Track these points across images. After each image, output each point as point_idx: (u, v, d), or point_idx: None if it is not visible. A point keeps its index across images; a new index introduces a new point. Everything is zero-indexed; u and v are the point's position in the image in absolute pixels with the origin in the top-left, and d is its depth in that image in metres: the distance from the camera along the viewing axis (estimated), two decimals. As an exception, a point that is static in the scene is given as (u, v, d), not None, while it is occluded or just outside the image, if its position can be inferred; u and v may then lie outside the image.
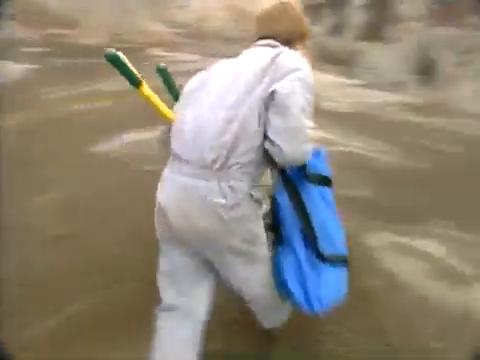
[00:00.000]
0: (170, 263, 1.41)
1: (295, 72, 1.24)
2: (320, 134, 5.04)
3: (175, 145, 1.35)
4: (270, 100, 1.21)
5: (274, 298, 1.50)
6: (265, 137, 1.24)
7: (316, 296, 1.39)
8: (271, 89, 1.21)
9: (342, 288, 1.50)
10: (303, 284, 1.39)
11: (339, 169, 4.17)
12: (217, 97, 1.29)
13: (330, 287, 1.42)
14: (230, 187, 1.23)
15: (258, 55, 1.35)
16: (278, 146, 1.20)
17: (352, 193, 3.58)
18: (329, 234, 1.46)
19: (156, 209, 1.39)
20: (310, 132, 1.24)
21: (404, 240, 2.97)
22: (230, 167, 1.24)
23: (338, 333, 2.09)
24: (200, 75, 1.46)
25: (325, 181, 1.48)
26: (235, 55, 1.45)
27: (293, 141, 1.20)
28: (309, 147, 1.26)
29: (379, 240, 2.95)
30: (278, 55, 1.30)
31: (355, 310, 2.21)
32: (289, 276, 1.40)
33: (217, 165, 1.23)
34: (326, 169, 1.51)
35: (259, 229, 1.36)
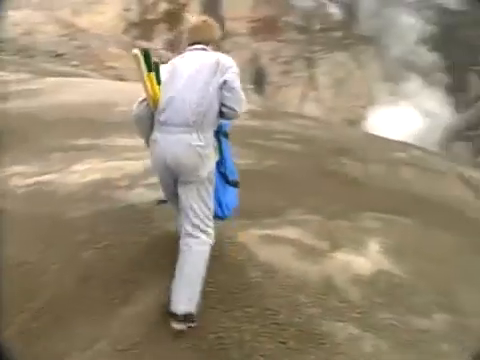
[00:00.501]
0: (169, 192, 2.39)
1: (232, 68, 2.23)
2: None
3: (164, 115, 2.19)
4: (223, 85, 2.16)
5: (201, 253, 2.31)
6: (221, 105, 2.18)
7: (225, 204, 2.47)
8: (223, 79, 2.16)
9: (236, 200, 2.62)
10: (218, 199, 2.40)
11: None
12: (189, 82, 2.18)
13: (231, 199, 2.55)
14: (204, 136, 2.17)
15: (203, 56, 2.27)
16: (232, 108, 2.17)
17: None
18: (230, 166, 2.54)
19: (153, 160, 2.27)
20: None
21: (270, 232, 3.32)
22: (203, 125, 2.16)
23: (233, 315, 2.27)
24: (167, 68, 2.28)
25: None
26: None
27: (239, 105, 2.19)
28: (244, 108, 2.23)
29: (250, 236, 3.23)
30: (219, 58, 2.24)
31: (244, 300, 2.43)
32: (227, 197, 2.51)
33: (196, 124, 2.15)
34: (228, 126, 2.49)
35: (214, 163, 2.29)
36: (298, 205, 3.78)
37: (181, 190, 2.23)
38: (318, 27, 40.48)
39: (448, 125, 34.78)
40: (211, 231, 2.29)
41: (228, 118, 2.27)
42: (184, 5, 44.59)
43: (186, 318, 2.12)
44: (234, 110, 2.18)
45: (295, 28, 40.52)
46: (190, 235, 2.22)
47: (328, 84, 38.21)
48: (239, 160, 5.01)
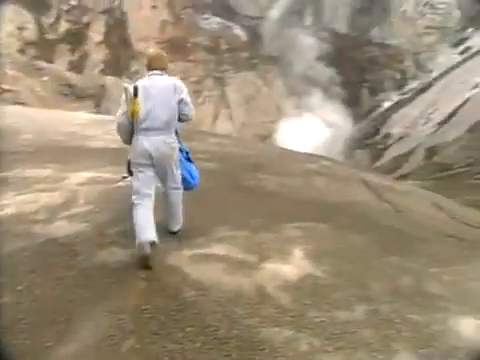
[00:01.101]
0: (144, 176, 3.23)
1: (184, 89, 3.29)
2: (93, 175, 5.06)
3: (145, 124, 3.17)
4: (180, 101, 3.22)
5: (180, 195, 3.52)
6: (180, 114, 3.27)
7: (193, 175, 3.64)
8: (180, 97, 3.23)
9: (197, 171, 3.73)
10: (189, 172, 3.59)
11: (127, 203, 4.33)
12: (159, 100, 3.18)
13: (195, 170, 3.69)
14: (172, 136, 3.28)
15: (163, 80, 3.27)
16: (187, 115, 3.30)
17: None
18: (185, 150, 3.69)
19: (138, 153, 3.20)
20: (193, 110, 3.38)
21: (200, 251, 3.42)
22: (171, 128, 3.26)
23: (175, 338, 2.31)
24: (141, 86, 3.17)
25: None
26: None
27: (191, 113, 3.33)
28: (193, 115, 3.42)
29: (181, 257, 3.29)
30: (175, 81, 3.29)
31: (184, 320, 2.48)
32: (184, 171, 3.54)
33: (167, 129, 3.23)
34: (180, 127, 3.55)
35: (178, 151, 3.45)
36: (223, 222, 3.94)
37: (162, 174, 3.35)
38: (226, 48, 42.07)
39: (349, 135, 38.35)
40: (181, 186, 3.52)
41: (184, 121, 3.40)
42: (87, 25, 43.07)
43: (176, 231, 3.61)
44: (188, 117, 3.37)
45: (204, 49, 41.56)
46: (173, 188, 3.47)
47: (239, 102, 39.69)
48: (160, 183, 5.05)
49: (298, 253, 3.45)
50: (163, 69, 3.32)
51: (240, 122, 37.29)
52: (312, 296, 2.89)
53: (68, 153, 6.06)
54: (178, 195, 3.49)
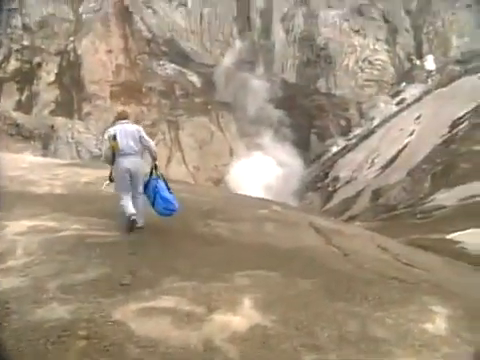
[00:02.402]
0: (124, 182, 5.15)
1: (143, 130, 5.35)
2: (34, 223, 4.82)
3: (123, 151, 5.10)
4: (142, 139, 5.23)
5: (144, 200, 5.30)
6: (143, 146, 5.30)
7: (176, 201, 5.16)
8: (141, 134, 5.24)
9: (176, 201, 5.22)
10: (174, 199, 5.15)
11: (70, 254, 4.14)
12: (130, 138, 5.16)
13: (173, 199, 5.17)
14: (141, 158, 5.32)
15: (129, 126, 5.30)
16: (150, 147, 5.32)
17: (78, 277, 3.60)
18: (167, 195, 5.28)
19: (121, 169, 5.12)
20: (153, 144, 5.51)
21: (146, 304, 3.30)
22: (139, 155, 5.27)
23: None
24: (118, 131, 5.14)
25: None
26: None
27: (151, 143, 5.34)
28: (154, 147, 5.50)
29: (126, 312, 3.16)
30: (137, 127, 5.39)
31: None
32: (169, 197, 5.14)
33: (137, 154, 5.23)
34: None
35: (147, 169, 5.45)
36: (172, 272, 3.86)
37: (135, 181, 5.15)
38: (180, 93, 42.95)
39: (300, 177, 39.72)
40: (143, 193, 5.25)
41: (150, 150, 5.29)
42: (39, 65, 42.40)
43: (141, 227, 5.07)
44: (150, 146, 5.27)
45: (158, 93, 42.14)
46: (138, 194, 5.19)
47: (192, 145, 40.12)
48: (101, 232, 4.86)
49: (247, 302, 3.44)
50: (127, 119, 5.41)
51: (193, 165, 37.49)
52: (261, 348, 2.86)
53: (10, 199, 5.75)
54: (140, 200, 5.22)
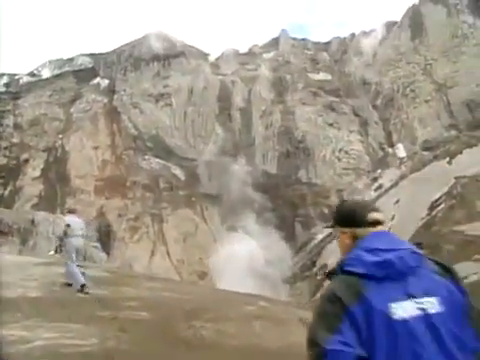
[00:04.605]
0: (73, 254, 7.04)
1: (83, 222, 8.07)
2: (5, 333, 4.39)
3: (74, 233, 6.96)
4: (87, 224, 8.93)
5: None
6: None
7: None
8: (85, 223, 7.94)
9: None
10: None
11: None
12: (79, 224, 7.20)
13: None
14: (84, 240, 7.88)
15: (77, 218, 7.42)
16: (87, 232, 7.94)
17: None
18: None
19: (72, 245, 6.94)
20: None
21: None
22: (84, 235, 7.59)
23: None
24: (71, 221, 7.02)
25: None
26: None
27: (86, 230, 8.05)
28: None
29: None
30: (82, 219, 7.85)
31: None
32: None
33: (83, 235, 7.46)
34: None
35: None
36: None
37: (80, 253, 7.47)
38: (164, 186, 43.72)
39: (287, 267, 38.88)
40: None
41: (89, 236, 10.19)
42: (26, 161, 43.16)
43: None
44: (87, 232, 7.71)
45: (142, 187, 42.76)
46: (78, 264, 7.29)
47: (176, 238, 39.59)
48: (80, 341, 4.39)
49: None
50: (75, 212, 7.35)
51: (177, 259, 36.53)
52: None
53: (-22, 306, 5.35)
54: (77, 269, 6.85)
